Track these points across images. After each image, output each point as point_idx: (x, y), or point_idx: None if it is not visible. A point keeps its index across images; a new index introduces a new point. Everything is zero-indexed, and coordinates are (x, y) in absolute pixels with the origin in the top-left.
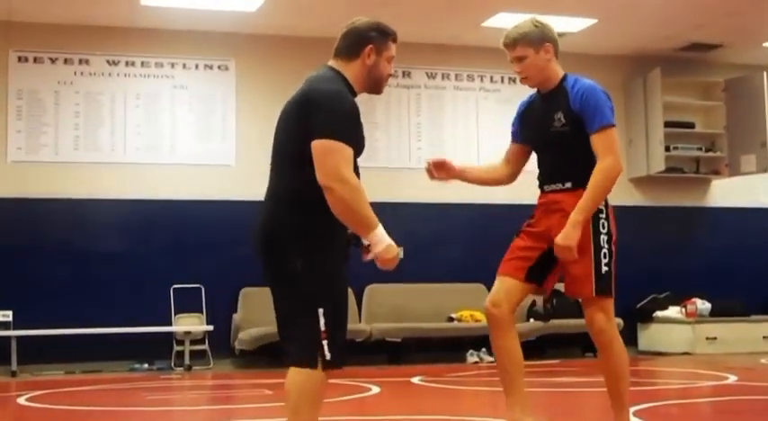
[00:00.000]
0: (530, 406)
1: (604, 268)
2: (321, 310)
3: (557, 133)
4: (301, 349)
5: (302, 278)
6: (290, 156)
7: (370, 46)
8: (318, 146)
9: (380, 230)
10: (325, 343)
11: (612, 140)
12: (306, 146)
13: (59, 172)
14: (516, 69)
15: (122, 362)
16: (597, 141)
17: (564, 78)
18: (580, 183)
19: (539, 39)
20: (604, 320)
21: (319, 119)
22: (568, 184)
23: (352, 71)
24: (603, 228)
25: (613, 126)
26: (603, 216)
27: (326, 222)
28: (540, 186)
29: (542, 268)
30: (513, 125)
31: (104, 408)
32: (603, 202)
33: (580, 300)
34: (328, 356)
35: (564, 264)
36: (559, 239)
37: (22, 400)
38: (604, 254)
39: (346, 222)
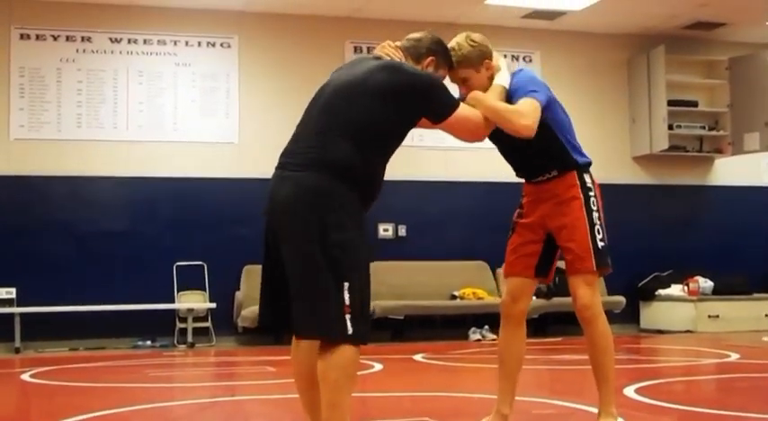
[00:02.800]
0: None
1: (600, 243)
2: (347, 284)
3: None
4: (323, 322)
5: (335, 250)
6: (354, 131)
7: (432, 58)
8: (453, 120)
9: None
10: (348, 317)
11: (532, 105)
12: (385, 125)
13: (62, 149)
14: (462, 91)
15: (126, 339)
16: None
17: None
18: (564, 167)
19: (479, 58)
20: (589, 295)
21: (439, 101)
22: (554, 173)
23: None
24: (594, 205)
25: (535, 95)
26: (593, 194)
27: (364, 200)
28: (524, 178)
29: (547, 261)
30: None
31: (108, 385)
32: (591, 180)
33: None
34: (350, 331)
35: (563, 244)
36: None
37: (25, 377)
38: (598, 230)
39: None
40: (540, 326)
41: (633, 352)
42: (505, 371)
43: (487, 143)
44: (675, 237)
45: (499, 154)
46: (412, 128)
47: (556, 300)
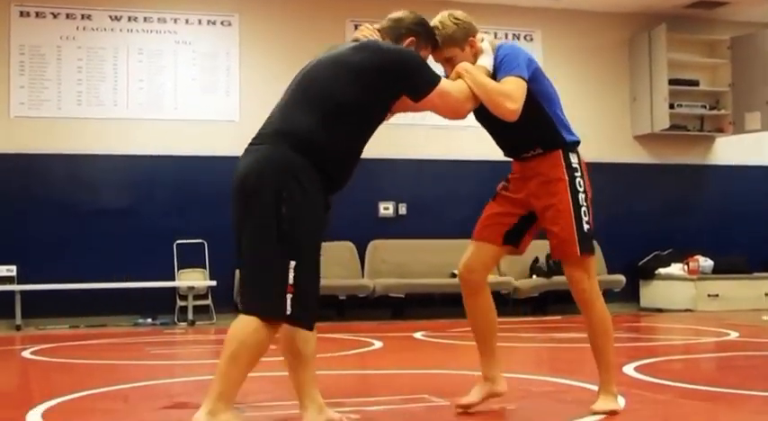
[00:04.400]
0: (501, 364)
1: (586, 226)
2: (293, 263)
3: None
4: (264, 299)
5: (285, 225)
6: (325, 106)
7: (412, 38)
8: (435, 97)
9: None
10: (289, 297)
11: (519, 85)
12: (361, 103)
13: (62, 127)
14: (447, 70)
15: (126, 316)
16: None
17: None
18: (549, 145)
19: (463, 36)
20: (586, 279)
21: (420, 78)
22: (539, 150)
23: None
24: (581, 186)
25: (520, 73)
26: (579, 174)
27: (329, 180)
28: (510, 156)
29: (520, 230)
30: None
31: (108, 362)
32: (578, 160)
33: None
34: (289, 311)
35: (548, 227)
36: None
37: (26, 354)
38: (584, 212)
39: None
40: (540, 304)
41: (633, 330)
42: (481, 339)
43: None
44: (676, 216)
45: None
46: (390, 107)
47: (556, 278)
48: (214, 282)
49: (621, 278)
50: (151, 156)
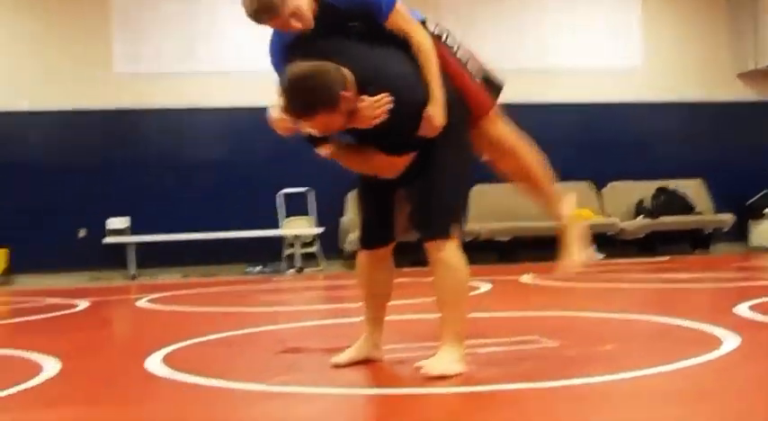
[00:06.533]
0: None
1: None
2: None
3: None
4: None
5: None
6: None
7: None
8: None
9: None
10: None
11: (407, 15)
12: None
13: (164, 82)
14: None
15: (236, 265)
16: (395, 24)
17: None
18: None
19: None
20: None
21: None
22: None
23: None
24: None
25: (396, 2)
26: None
27: None
28: None
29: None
30: (275, 57)
31: (220, 309)
32: None
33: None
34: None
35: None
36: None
37: (141, 303)
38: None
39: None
40: (648, 245)
41: (743, 270)
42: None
43: (587, 65)
44: None
45: (597, 76)
46: None
47: (662, 218)
48: (321, 230)
49: (730, 217)
50: (252, 108)
